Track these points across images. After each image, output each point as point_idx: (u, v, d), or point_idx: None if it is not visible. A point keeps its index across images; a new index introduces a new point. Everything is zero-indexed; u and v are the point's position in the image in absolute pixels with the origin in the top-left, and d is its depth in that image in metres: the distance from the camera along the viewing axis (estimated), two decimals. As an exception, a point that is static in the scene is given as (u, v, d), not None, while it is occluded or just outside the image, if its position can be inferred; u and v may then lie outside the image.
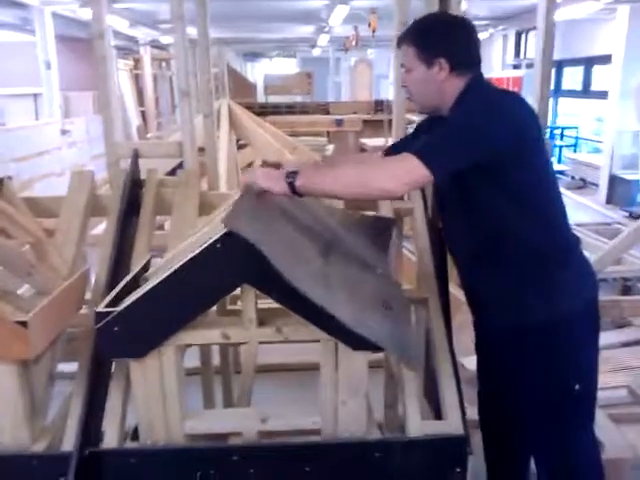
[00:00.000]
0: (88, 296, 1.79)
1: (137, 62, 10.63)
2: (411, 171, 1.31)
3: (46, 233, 1.92)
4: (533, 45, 9.54)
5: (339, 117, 11.26)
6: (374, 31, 7.01)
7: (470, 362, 3.06)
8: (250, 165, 4.09)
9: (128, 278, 1.64)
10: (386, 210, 2.04)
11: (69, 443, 1.47)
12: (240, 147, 3.98)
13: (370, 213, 2.03)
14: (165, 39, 10.65)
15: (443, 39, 1.45)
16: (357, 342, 1.34)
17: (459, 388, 1.61)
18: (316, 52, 14.88)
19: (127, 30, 8.73)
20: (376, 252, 1.74)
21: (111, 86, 2.00)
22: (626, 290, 3.73)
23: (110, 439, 1.49)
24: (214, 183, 2.08)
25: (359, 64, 13.63)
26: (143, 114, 10.60)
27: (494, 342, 1.64)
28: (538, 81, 1.98)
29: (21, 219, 1.82)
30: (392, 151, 1.65)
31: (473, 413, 2.54)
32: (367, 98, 12.98)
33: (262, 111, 11.97)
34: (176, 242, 1.86)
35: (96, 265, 1.88)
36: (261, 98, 14.36)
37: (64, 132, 6.98)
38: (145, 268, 1.77)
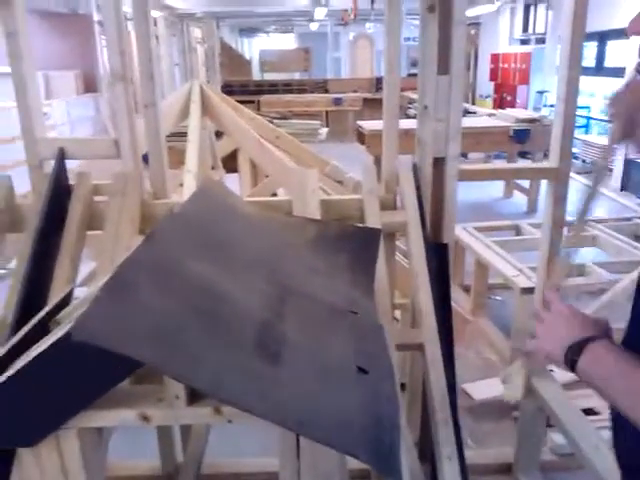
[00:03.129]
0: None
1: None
2: None
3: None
4: (543, 19, 8.85)
5: (338, 96, 10.74)
6: (373, 1, 6.53)
7: (475, 389, 2.67)
8: (234, 155, 3.65)
9: (33, 322, 1.26)
10: (373, 222, 1.64)
11: None
12: (220, 135, 3.55)
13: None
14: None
15: None
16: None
17: (461, 456, 1.25)
18: (314, 27, 14.28)
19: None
20: (356, 279, 1.37)
21: (27, 65, 1.59)
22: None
23: None
24: (161, 190, 1.68)
25: (359, 39, 13.09)
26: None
27: None
28: (566, 58, 1.55)
29: None
30: None
31: (477, 455, 2.18)
32: (368, 75, 12.43)
33: (258, 89, 11.52)
34: (105, 268, 1.48)
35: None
36: (257, 75, 13.83)
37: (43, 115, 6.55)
38: (63, 304, 1.39)
